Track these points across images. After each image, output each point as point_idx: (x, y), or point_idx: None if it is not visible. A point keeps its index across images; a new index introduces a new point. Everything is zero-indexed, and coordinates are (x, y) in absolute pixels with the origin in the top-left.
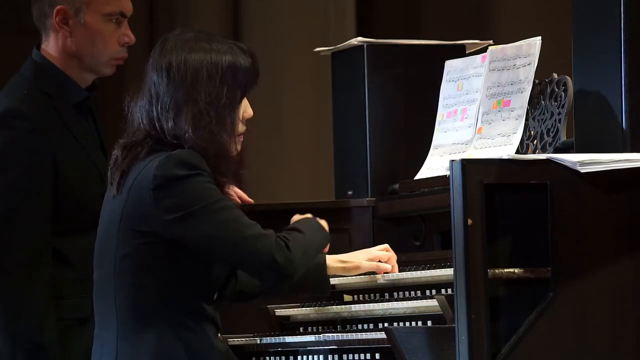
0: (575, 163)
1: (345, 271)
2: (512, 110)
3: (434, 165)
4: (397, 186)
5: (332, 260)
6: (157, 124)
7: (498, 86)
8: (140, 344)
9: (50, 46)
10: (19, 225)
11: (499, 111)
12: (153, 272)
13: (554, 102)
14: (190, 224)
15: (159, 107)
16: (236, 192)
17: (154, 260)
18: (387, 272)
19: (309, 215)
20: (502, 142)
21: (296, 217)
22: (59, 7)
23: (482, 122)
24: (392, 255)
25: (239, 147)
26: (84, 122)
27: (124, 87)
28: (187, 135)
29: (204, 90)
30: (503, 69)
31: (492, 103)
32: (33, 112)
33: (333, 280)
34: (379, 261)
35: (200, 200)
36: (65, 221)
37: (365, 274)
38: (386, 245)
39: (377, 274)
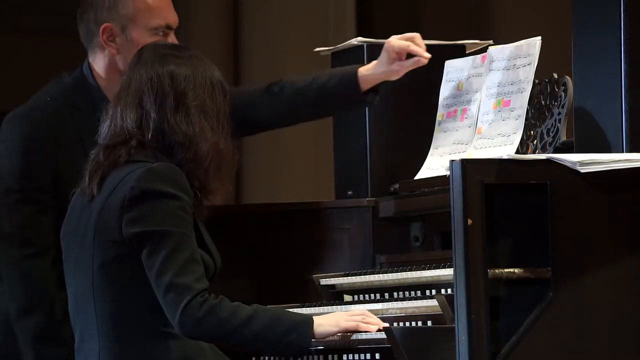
0: (575, 163)
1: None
2: (512, 110)
3: (434, 165)
4: (397, 186)
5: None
6: (151, 124)
7: (498, 86)
8: (124, 354)
9: (96, 62)
10: (18, 225)
11: (499, 111)
12: (131, 281)
13: (554, 102)
14: (142, 241)
15: (161, 108)
16: None
17: (131, 269)
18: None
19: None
20: (502, 142)
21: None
22: (105, 25)
23: (482, 122)
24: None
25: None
26: None
27: None
28: (194, 136)
29: (208, 100)
30: (503, 69)
31: (492, 103)
32: (42, 121)
33: (332, 281)
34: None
35: (162, 224)
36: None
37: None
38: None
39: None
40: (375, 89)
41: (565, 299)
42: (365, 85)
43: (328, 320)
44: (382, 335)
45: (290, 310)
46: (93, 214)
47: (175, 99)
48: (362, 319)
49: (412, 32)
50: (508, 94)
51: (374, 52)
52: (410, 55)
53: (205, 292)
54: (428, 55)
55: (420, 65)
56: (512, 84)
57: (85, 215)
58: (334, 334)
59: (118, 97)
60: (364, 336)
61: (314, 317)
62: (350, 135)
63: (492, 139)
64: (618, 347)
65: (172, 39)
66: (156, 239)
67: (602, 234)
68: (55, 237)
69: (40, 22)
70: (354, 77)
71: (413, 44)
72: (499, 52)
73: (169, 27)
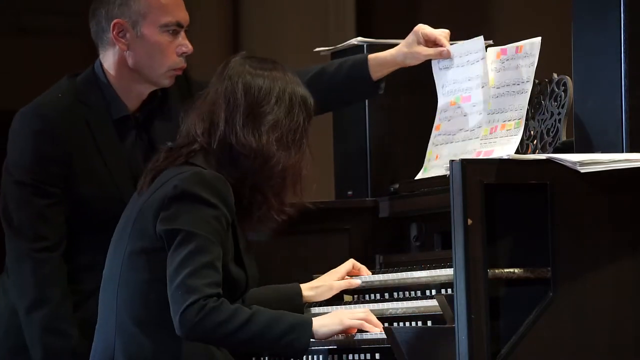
0: (575, 163)
1: (320, 296)
2: (513, 111)
3: (440, 154)
4: (397, 186)
5: (305, 289)
6: (218, 134)
7: (497, 88)
8: (134, 344)
9: (106, 60)
10: (30, 218)
11: (500, 112)
12: (153, 275)
13: (554, 102)
14: (170, 238)
15: (230, 120)
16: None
17: (155, 264)
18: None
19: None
20: (503, 142)
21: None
22: (115, 20)
23: (482, 122)
24: (356, 264)
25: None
26: (123, 139)
27: None
28: (261, 150)
29: (283, 116)
30: (503, 70)
31: (492, 103)
32: (54, 117)
33: None
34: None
35: (190, 226)
36: (71, 232)
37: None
38: (350, 260)
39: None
40: (384, 78)
41: (565, 299)
42: (377, 73)
43: (331, 320)
44: (382, 335)
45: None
46: (137, 205)
47: (246, 111)
48: (366, 316)
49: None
50: (508, 94)
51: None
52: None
53: (210, 298)
54: (451, 50)
55: (443, 57)
56: (512, 85)
57: (132, 206)
58: (338, 333)
59: (196, 100)
60: (367, 336)
61: (314, 318)
62: (350, 135)
63: (494, 139)
64: (618, 347)
65: (182, 37)
66: (182, 238)
67: (602, 234)
68: (65, 231)
69: (40, 22)
70: (364, 67)
71: (442, 37)
72: (499, 52)
73: (179, 25)
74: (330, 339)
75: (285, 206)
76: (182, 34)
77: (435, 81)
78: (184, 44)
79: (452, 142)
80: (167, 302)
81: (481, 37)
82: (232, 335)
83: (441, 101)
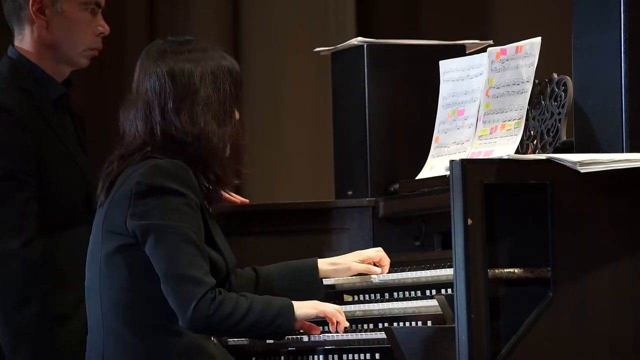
0: (575, 163)
1: (336, 273)
2: (513, 111)
3: (435, 165)
4: (397, 186)
5: (324, 263)
6: (158, 129)
7: (497, 88)
8: (127, 347)
9: (25, 40)
10: (13, 213)
11: (500, 112)
12: (134, 272)
13: (554, 102)
14: (145, 234)
15: (165, 112)
16: (234, 197)
17: (134, 261)
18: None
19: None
20: (503, 142)
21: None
22: None
23: (482, 122)
24: (383, 256)
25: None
26: (62, 119)
27: (126, 89)
28: (202, 132)
29: (211, 91)
30: (503, 70)
31: (492, 103)
32: (15, 105)
33: (331, 281)
34: (373, 263)
35: (166, 218)
36: (46, 219)
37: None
38: (379, 248)
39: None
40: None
41: (565, 299)
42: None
43: (306, 304)
44: (382, 335)
45: None
46: (103, 211)
47: (177, 100)
48: (340, 309)
49: (412, 32)
50: (507, 94)
51: (374, 52)
52: None
53: (213, 289)
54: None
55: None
56: (512, 85)
57: (98, 215)
58: (313, 316)
59: (129, 101)
60: (364, 336)
61: (292, 301)
62: (350, 135)
63: (493, 139)
64: (618, 347)
65: (100, 18)
66: (160, 232)
67: (602, 234)
68: (39, 223)
69: None
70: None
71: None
72: (499, 52)
73: (97, 5)
74: (331, 339)
75: (233, 177)
76: (100, 14)
77: (440, 92)
78: (102, 24)
79: (445, 155)
80: (152, 298)
81: (485, 54)
82: (235, 326)
83: (440, 113)
